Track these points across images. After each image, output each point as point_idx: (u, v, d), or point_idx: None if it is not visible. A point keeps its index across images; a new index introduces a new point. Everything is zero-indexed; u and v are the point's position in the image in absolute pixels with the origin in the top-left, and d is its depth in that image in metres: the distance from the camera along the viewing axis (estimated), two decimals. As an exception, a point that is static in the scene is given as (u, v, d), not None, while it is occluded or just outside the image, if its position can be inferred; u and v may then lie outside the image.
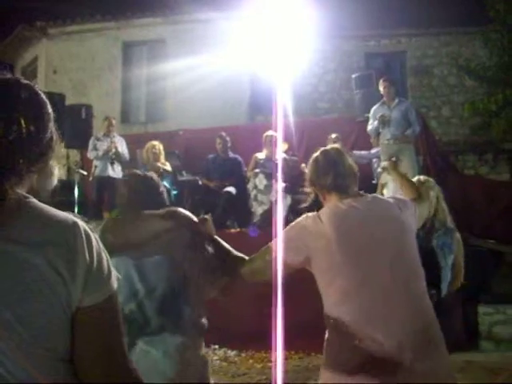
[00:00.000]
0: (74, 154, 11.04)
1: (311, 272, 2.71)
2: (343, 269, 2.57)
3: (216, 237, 2.88)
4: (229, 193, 9.17)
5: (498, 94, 13.57)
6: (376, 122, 8.95)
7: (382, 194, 5.81)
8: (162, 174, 9.35)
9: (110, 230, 2.63)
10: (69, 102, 10.70)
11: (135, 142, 10.53)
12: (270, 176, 8.79)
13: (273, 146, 9.28)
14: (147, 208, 2.75)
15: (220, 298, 2.87)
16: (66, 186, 10.44)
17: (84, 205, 9.95)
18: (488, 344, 7.67)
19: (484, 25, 14.55)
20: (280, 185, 8.45)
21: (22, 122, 1.30)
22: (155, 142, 9.71)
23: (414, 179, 4.25)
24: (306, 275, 2.73)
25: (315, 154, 2.92)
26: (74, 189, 9.75)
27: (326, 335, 2.65)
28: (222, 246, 2.87)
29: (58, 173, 1.46)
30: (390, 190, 4.63)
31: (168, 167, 9.62)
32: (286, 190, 8.75)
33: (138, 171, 3.17)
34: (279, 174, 8.44)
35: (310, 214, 2.78)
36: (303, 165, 9.55)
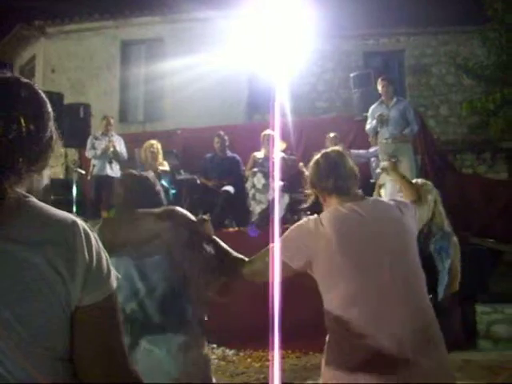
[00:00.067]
0: (72, 153, 11.05)
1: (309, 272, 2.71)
2: (345, 273, 2.57)
3: (215, 237, 2.87)
4: (227, 192, 9.17)
5: (496, 92, 13.58)
6: (374, 121, 8.95)
7: (379, 195, 5.81)
8: (160, 173, 9.35)
9: (108, 229, 2.62)
10: (67, 101, 10.69)
11: (133, 141, 10.52)
12: (268, 175, 8.80)
13: (271, 145, 9.28)
14: (143, 207, 2.74)
15: (218, 299, 2.87)
16: (64, 184, 10.44)
17: (82, 204, 9.94)
18: (486, 343, 7.68)
19: (482, 24, 14.55)
20: (278, 184, 8.45)
21: (22, 120, 1.30)
22: (153, 141, 9.71)
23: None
24: (304, 274, 2.73)
25: (316, 157, 2.91)
26: (72, 188, 9.74)
27: (327, 338, 2.65)
28: (221, 246, 2.87)
29: (49, 173, 1.45)
30: (388, 190, 4.63)
31: (166, 167, 9.62)
32: (284, 189, 8.75)
33: (134, 171, 3.16)
34: (277, 173, 8.45)
35: (311, 217, 2.77)
36: (301, 164, 9.56)
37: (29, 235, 1.27)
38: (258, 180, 8.93)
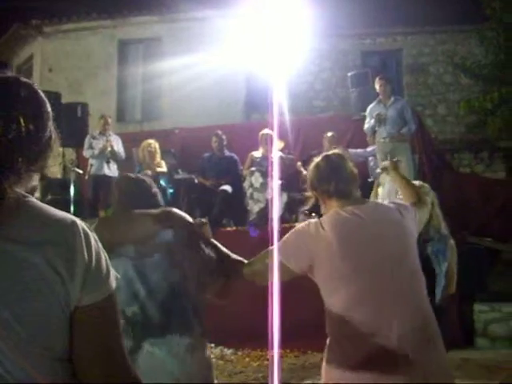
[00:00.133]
0: (70, 153, 11.03)
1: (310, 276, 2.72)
2: (346, 276, 2.58)
3: (213, 240, 2.87)
4: (225, 191, 9.17)
5: (493, 92, 13.59)
6: (372, 121, 8.96)
7: (377, 194, 5.79)
8: (158, 174, 9.35)
9: (104, 228, 2.61)
10: (64, 100, 10.68)
11: (131, 141, 10.52)
12: (266, 174, 8.80)
13: (269, 144, 9.28)
14: (140, 208, 2.73)
15: (216, 301, 2.86)
16: (61, 184, 10.44)
17: (80, 203, 9.94)
18: (484, 341, 7.69)
19: (480, 23, 14.57)
20: (276, 183, 8.45)
21: (22, 120, 1.30)
22: (151, 141, 9.71)
23: None
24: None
25: (317, 159, 2.91)
26: (69, 187, 9.73)
27: (328, 340, 2.66)
28: (220, 248, 2.86)
29: (37, 176, 1.45)
30: (386, 190, 4.62)
31: (164, 166, 9.61)
32: (282, 188, 8.75)
33: (131, 174, 3.15)
34: (275, 172, 8.44)
35: (311, 220, 2.77)
36: (299, 163, 9.57)
37: (28, 235, 1.26)
38: (256, 179, 8.93)
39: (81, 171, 10.39)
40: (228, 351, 7.61)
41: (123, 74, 15.61)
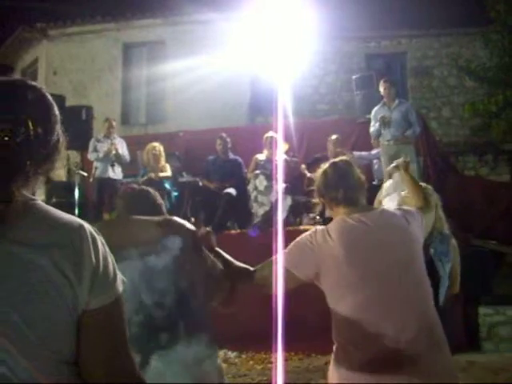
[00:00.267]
0: (75, 156, 11.04)
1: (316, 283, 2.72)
2: (354, 285, 2.58)
3: (217, 248, 2.86)
4: (229, 194, 9.17)
5: (498, 94, 13.57)
6: (377, 124, 8.96)
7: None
8: (162, 177, 9.36)
9: (105, 231, 2.56)
10: (69, 103, 10.69)
11: (135, 144, 10.52)
12: (271, 177, 8.80)
13: (273, 147, 9.28)
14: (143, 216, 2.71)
15: (221, 309, 2.84)
16: (66, 187, 10.45)
17: (84, 206, 9.95)
18: (488, 345, 7.67)
19: (484, 26, 14.55)
20: (280, 186, 8.45)
21: (30, 123, 1.31)
22: (155, 144, 9.72)
23: None
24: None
25: (324, 166, 2.91)
26: (74, 190, 9.74)
27: (335, 347, 2.66)
28: (224, 256, 2.85)
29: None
30: (393, 186, 4.58)
31: (168, 170, 9.62)
32: (287, 191, 8.75)
33: (135, 185, 3.14)
34: (279, 175, 8.45)
35: (318, 228, 2.78)
36: (303, 166, 9.57)
37: (35, 237, 1.26)
38: (261, 182, 8.93)
39: (85, 174, 10.39)
40: (232, 354, 7.60)
41: (127, 77, 15.64)
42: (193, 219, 8.80)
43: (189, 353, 2.46)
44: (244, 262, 2.87)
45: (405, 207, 3.09)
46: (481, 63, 14.76)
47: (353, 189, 2.80)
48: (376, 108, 9.23)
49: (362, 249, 2.63)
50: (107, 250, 1.38)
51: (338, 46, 16.30)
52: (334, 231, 2.67)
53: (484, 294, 8.04)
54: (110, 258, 1.38)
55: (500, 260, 8.88)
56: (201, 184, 9.69)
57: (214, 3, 14.05)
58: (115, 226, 2.76)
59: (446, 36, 16.39)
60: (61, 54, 15.67)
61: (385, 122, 8.83)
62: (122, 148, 10.14)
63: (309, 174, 9.03)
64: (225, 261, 2.82)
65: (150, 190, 2.95)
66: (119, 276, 1.39)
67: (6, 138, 1.26)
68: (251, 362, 7.35)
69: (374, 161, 9.65)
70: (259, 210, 8.82)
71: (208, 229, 2.91)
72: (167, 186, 9.30)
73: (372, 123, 9.18)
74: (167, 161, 9.78)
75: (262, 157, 9.52)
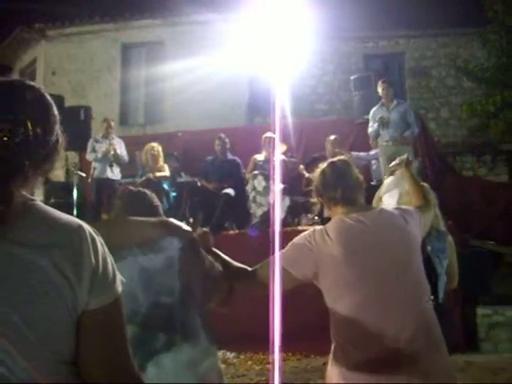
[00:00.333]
0: (73, 156, 11.04)
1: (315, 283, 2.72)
2: (352, 284, 2.58)
3: (214, 249, 2.85)
4: (227, 194, 9.17)
5: (496, 95, 13.59)
6: (376, 124, 8.96)
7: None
8: (161, 177, 9.36)
9: (103, 233, 2.54)
10: (67, 103, 10.69)
11: (134, 144, 10.52)
12: (269, 178, 8.80)
13: (271, 147, 9.28)
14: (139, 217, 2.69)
15: (219, 310, 2.83)
16: (64, 187, 10.45)
17: (83, 207, 9.95)
18: (487, 345, 7.67)
19: (482, 26, 14.56)
20: (278, 186, 8.45)
21: (29, 124, 1.31)
22: (154, 144, 9.72)
23: None
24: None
25: (322, 166, 2.92)
26: (72, 191, 9.74)
27: (333, 346, 2.66)
28: (221, 256, 2.85)
29: None
30: (393, 183, 4.57)
31: (166, 170, 9.62)
32: (285, 192, 8.75)
33: (132, 187, 3.13)
34: (277, 176, 8.45)
35: (317, 227, 2.78)
36: (302, 166, 9.58)
37: (34, 238, 1.27)
38: (259, 182, 8.94)
39: (84, 174, 10.39)
40: (230, 354, 7.60)
41: (126, 78, 15.64)
42: (191, 219, 8.81)
43: (188, 354, 2.45)
44: (242, 263, 2.87)
45: (403, 206, 3.09)
46: (479, 63, 14.77)
47: (351, 188, 2.81)
48: (374, 108, 9.23)
49: (360, 248, 2.63)
50: (106, 250, 1.38)
51: (336, 46, 16.31)
52: (333, 231, 2.68)
53: (482, 294, 8.04)
54: (110, 259, 1.38)
55: (498, 260, 8.88)
56: (199, 184, 9.69)
57: (213, 4, 14.06)
58: (112, 226, 2.74)
59: (443, 36, 16.41)
60: (59, 55, 15.67)
61: (383, 123, 8.83)
62: (121, 148, 10.14)
63: (307, 175, 9.04)
64: (222, 261, 2.81)
65: (147, 191, 2.93)
66: (118, 276, 1.39)
67: (5, 139, 1.26)
68: (249, 363, 7.35)
69: (373, 161, 9.65)
70: (257, 211, 8.82)
71: (205, 229, 2.90)
72: (166, 186, 9.31)
73: (370, 124, 9.18)
74: (166, 161, 9.78)
75: (260, 157, 9.53)
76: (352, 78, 11.81)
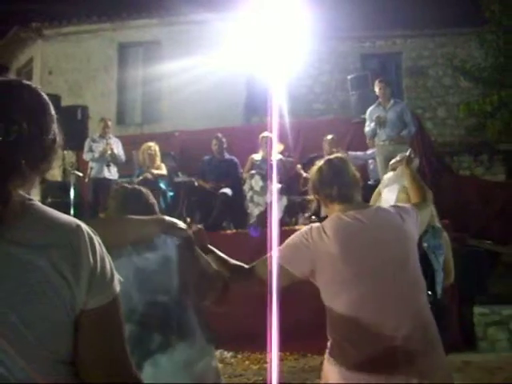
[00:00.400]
0: (70, 156, 11.02)
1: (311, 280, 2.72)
2: (349, 281, 2.59)
3: (210, 246, 2.84)
4: (225, 194, 9.17)
5: (493, 95, 13.61)
6: (373, 124, 8.96)
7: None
8: (158, 177, 9.35)
9: (98, 232, 2.53)
10: (64, 103, 10.66)
11: (131, 144, 10.51)
12: (266, 177, 8.80)
13: (269, 147, 9.28)
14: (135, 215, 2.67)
15: (215, 308, 2.82)
16: (61, 187, 10.44)
17: (80, 206, 9.93)
18: (484, 344, 7.68)
19: (479, 26, 14.58)
20: (275, 186, 8.45)
21: (25, 123, 1.31)
22: (151, 144, 9.71)
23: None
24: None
25: (319, 163, 2.91)
26: (69, 190, 9.72)
27: (329, 343, 2.66)
28: (217, 254, 2.84)
29: None
30: (393, 178, 4.57)
31: (163, 170, 9.61)
32: (282, 191, 8.75)
33: (127, 184, 3.11)
34: (274, 175, 8.45)
35: (314, 225, 2.78)
36: (299, 166, 9.57)
37: (33, 238, 1.26)
38: (256, 182, 8.93)
39: (81, 174, 10.38)
40: (228, 354, 7.60)
41: (123, 77, 15.63)
42: (188, 219, 8.80)
43: (184, 353, 2.44)
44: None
45: (400, 204, 3.09)
46: (476, 63, 14.80)
47: (347, 186, 2.80)
48: (371, 108, 9.23)
49: (358, 246, 2.64)
50: (104, 250, 1.38)
51: (333, 46, 16.31)
52: (330, 228, 2.68)
53: (479, 293, 8.05)
54: (107, 258, 1.38)
55: (495, 260, 8.89)
56: (196, 184, 9.68)
57: (210, 3, 14.05)
58: (107, 224, 2.73)
59: (440, 36, 16.42)
60: (56, 54, 15.65)
61: (380, 122, 8.83)
62: (118, 148, 10.13)
63: (304, 174, 9.04)
64: (218, 258, 2.81)
65: (143, 189, 2.92)
66: (116, 276, 1.39)
67: (0, 138, 1.26)
68: (247, 362, 7.35)
69: (370, 161, 9.65)
70: (255, 210, 8.82)
71: (200, 226, 2.89)
72: (163, 185, 9.30)
73: (367, 123, 9.19)
74: (163, 161, 9.78)
75: (257, 157, 9.53)
76: (349, 77, 11.82)
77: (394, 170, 4.35)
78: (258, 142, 9.60)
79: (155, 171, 9.44)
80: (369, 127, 9.10)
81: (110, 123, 10.41)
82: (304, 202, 9.00)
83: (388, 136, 8.81)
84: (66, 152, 10.62)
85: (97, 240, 1.37)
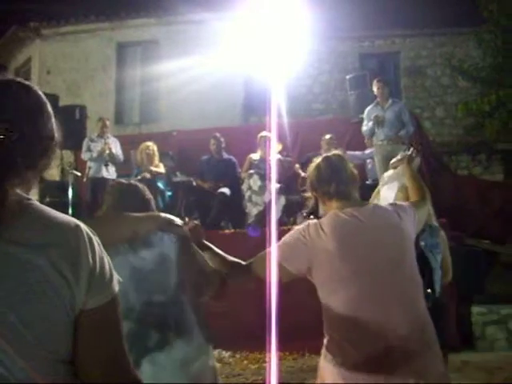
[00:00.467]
0: (68, 155, 11.00)
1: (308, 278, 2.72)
2: (346, 279, 2.58)
3: (206, 242, 2.84)
4: (223, 194, 9.16)
5: (491, 94, 13.61)
6: (371, 123, 8.96)
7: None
8: (155, 176, 9.34)
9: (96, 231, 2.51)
10: (62, 102, 10.65)
11: (129, 143, 10.50)
12: (265, 177, 8.79)
13: (267, 146, 9.27)
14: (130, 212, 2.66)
15: (212, 304, 2.82)
16: (59, 187, 10.41)
17: (78, 206, 9.92)
18: (482, 343, 7.69)
19: (478, 25, 14.59)
20: (274, 185, 8.45)
21: (23, 122, 1.30)
22: (149, 143, 9.71)
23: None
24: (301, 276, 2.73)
25: (317, 160, 2.91)
26: (67, 190, 9.70)
27: (326, 341, 2.66)
28: (214, 250, 2.83)
29: None
30: (393, 176, 4.57)
31: (162, 169, 9.61)
32: (280, 191, 8.75)
33: (123, 180, 3.10)
34: (273, 175, 8.44)
35: (311, 222, 2.77)
36: (297, 165, 9.57)
37: (31, 237, 1.26)
38: (255, 182, 8.93)
39: (79, 174, 10.37)
40: (226, 354, 7.59)
41: (121, 77, 15.62)
42: (187, 219, 8.78)
43: (181, 351, 2.44)
44: (237, 261, 2.86)
45: (398, 202, 3.09)
46: (474, 63, 14.81)
47: (345, 183, 2.80)
48: (369, 107, 9.23)
49: (355, 244, 2.63)
50: (103, 249, 1.38)
51: (332, 46, 16.31)
52: (327, 225, 2.67)
53: (477, 293, 8.06)
54: (106, 258, 1.38)
55: (493, 259, 8.90)
56: (194, 184, 9.68)
57: (208, 3, 14.04)
58: (104, 222, 2.72)
59: (439, 36, 16.43)
60: (54, 54, 15.64)
61: (378, 122, 8.83)
62: (116, 147, 10.12)
63: (303, 174, 9.03)
64: (215, 255, 2.81)
65: (139, 184, 2.91)
66: (115, 276, 1.39)
67: None
68: (245, 362, 7.34)
69: (368, 160, 9.66)
70: (253, 210, 8.81)
71: (196, 222, 2.89)
72: (161, 185, 9.29)
73: (365, 123, 9.18)
74: (161, 160, 9.78)
75: (256, 156, 9.52)
76: (348, 77, 11.82)
77: (394, 168, 4.35)
78: (256, 142, 9.59)
79: (154, 168, 9.44)
80: (367, 127, 9.10)
81: (108, 123, 10.40)
82: (302, 200, 9.00)
83: (386, 136, 8.81)
84: (64, 152, 10.59)
85: (96, 240, 1.37)
